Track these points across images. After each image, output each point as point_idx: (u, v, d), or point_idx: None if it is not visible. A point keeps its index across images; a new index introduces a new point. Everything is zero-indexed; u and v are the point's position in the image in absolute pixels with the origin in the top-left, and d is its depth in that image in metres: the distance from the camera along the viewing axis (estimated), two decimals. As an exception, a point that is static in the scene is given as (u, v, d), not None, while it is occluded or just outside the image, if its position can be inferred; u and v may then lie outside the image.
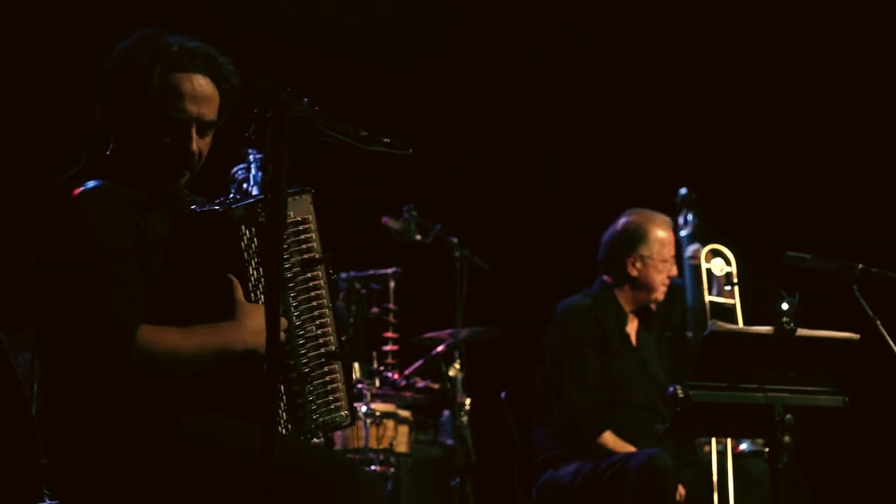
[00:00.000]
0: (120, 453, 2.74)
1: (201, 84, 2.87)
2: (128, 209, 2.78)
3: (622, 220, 5.14)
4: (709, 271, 5.07)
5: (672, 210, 5.43)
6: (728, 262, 5.10)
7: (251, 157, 4.27)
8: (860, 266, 4.21)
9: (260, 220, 2.82)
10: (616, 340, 5.02)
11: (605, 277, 5.13)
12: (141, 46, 2.86)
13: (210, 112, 2.89)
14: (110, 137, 2.94)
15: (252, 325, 2.76)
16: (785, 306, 3.80)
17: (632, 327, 5.12)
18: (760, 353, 3.80)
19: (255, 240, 2.82)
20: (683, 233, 5.47)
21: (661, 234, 5.08)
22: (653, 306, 5.14)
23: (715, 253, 5.14)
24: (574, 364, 4.91)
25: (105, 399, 2.71)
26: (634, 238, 5.08)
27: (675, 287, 5.26)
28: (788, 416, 3.78)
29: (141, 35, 2.89)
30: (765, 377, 3.81)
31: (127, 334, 2.66)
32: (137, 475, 2.74)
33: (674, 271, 5.11)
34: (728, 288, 4.97)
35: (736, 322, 4.88)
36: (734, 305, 4.98)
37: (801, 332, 3.79)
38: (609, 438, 4.80)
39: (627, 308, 5.11)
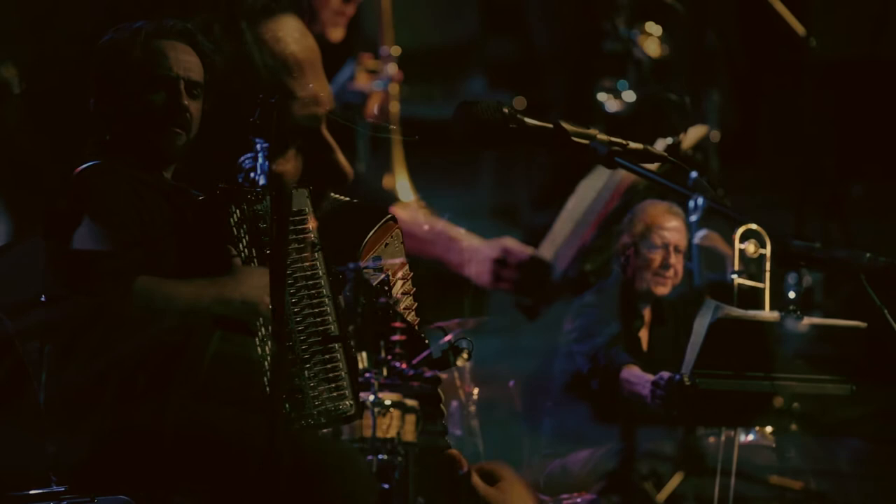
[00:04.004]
0: (122, 434, 2.77)
1: (184, 49, 2.99)
2: (130, 182, 2.88)
3: None
4: (741, 252, 4.59)
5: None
6: (762, 245, 4.62)
7: (258, 147, 4.26)
8: (868, 255, 4.19)
9: (257, 207, 2.87)
10: (623, 344, 4.70)
11: (617, 268, 4.90)
12: (121, 29, 2.99)
13: (196, 75, 2.99)
14: (107, 123, 3.01)
15: (250, 280, 2.80)
16: (791, 294, 3.80)
17: (644, 324, 4.86)
18: (767, 340, 3.80)
19: (247, 222, 2.87)
20: (693, 217, 5.34)
21: (655, 216, 4.75)
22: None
23: (748, 234, 4.69)
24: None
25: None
26: (629, 220, 4.79)
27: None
28: (795, 404, 3.78)
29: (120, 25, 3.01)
30: (771, 365, 3.80)
31: (122, 280, 2.70)
32: (140, 456, 2.77)
33: (673, 260, 4.73)
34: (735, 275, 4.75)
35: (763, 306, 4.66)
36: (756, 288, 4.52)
37: (808, 319, 3.79)
38: (633, 371, 4.44)
39: (635, 302, 4.83)
